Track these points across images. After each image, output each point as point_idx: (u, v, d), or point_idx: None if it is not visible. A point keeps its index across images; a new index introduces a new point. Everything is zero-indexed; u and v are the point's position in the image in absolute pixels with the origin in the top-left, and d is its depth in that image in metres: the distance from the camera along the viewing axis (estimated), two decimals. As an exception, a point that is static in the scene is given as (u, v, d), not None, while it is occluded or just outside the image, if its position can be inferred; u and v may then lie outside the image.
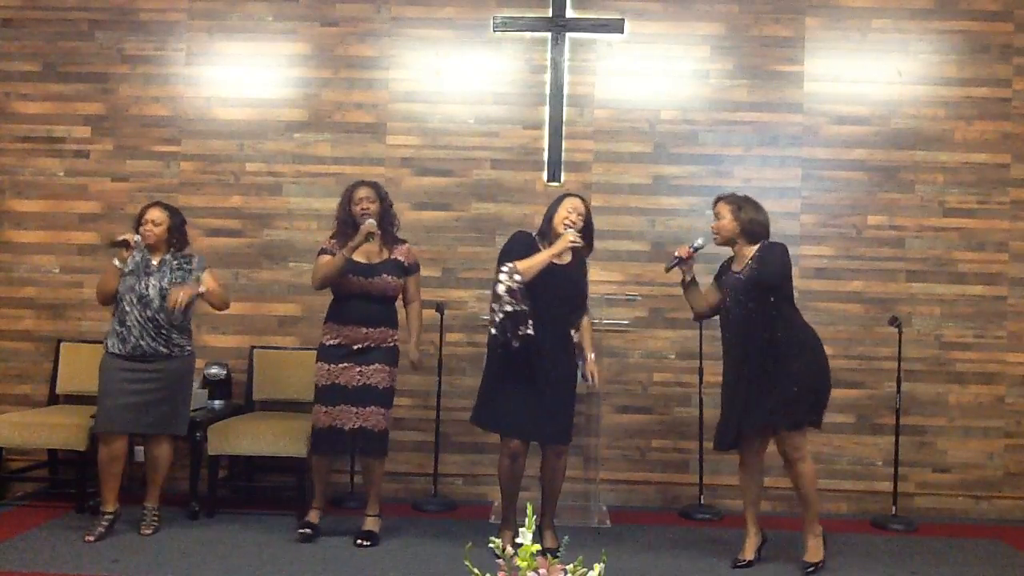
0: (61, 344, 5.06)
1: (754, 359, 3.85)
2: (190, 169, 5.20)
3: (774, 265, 3.85)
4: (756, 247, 3.91)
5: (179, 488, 4.66)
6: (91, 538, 3.98)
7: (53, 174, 5.22)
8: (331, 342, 4.08)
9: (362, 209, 4.07)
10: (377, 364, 4.05)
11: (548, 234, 3.97)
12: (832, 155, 5.10)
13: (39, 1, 5.22)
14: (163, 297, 4.05)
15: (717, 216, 3.99)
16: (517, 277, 3.79)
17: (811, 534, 3.93)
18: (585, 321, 4.09)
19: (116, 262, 4.07)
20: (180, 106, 5.21)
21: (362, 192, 4.12)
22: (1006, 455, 5.01)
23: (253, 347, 5.08)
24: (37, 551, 3.87)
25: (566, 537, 2.46)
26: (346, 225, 4.10)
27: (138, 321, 4.03)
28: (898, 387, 4.78)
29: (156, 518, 4.18)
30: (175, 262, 4.16)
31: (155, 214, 4.17)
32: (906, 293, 5.06)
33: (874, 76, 5.10)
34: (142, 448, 4.88)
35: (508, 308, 3.78)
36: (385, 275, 4.07)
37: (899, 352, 4.77)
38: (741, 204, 3.96)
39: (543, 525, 4.01)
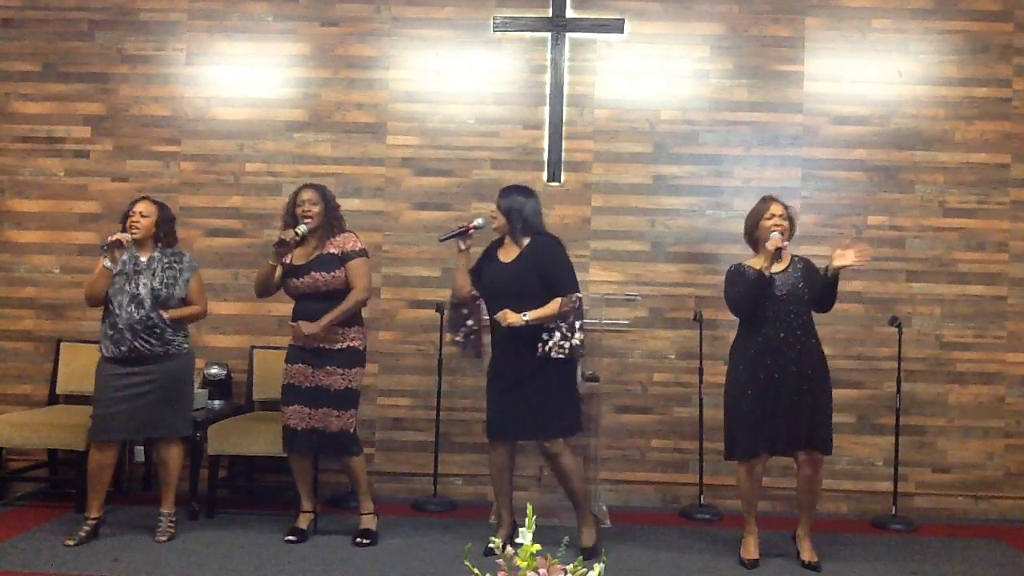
0: (61, 344, 5.06)
1: (795, 369, 3.86)
2: (190, 169, 5.20)
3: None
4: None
5: (179, 488, 4.65)
6: (71, 542, 3.94)
7: (53, 174, 5.22)
8: (292, 343, 4.13)
9: (303, 211, 4.06)
10: (329, 366, 4.02)
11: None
12: (832, 155, 5.10)
13: (39, 1, 5.22)
14: (155, 297, 3.97)
15: (785, 218, 3.95)
16: (453, 299, 4.11)
17: (809, 535, 3.97)
18: (556, 300, 3.85)
19: (107, 263, 3.93)
20: (180, 106, 5.21)
21: (305, 195, 4.11)
22: (1006, 455, 5.01)
23: (253, 347, 5.08)
24: (37, 551, 3.87)
25: (566, 537, 2.45)
26: (288, 227, 4.09)
27: (130, 323, 3.94)
28: (898, 387, 4.78)
29: (172, 524, 4.12)
30: (165, 260, 4.06)
31: (143, 206, 4.08)
32: (906, 293, 5.06)
33: (874, 76, 5.10)
34: (141, 448, 4.89)
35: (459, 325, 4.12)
36: (314, 273, 4.03)
37: (899, 352, 4.77)
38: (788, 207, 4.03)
39: (578, 524, 4.03)
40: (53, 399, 5.03)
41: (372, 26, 5.19)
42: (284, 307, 5.11)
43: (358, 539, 4.09)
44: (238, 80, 5.20)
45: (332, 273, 4.02)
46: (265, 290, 4.17)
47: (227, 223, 5.17)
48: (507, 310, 3.79)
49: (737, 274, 3.98)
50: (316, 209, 4.07)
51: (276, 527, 4.27)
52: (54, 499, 4.71)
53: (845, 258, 3.81)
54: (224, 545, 4.04)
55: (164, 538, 4.05)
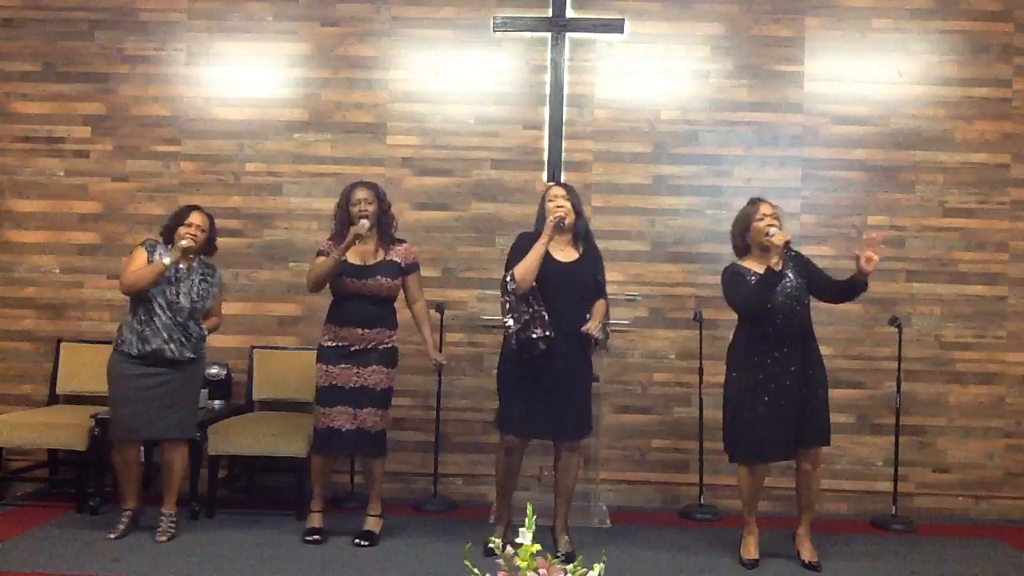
0: (61, 344, 5.06)
1: (796, 368, 3.86)
2: (190, 169, 5.20)
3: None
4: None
5: (180, 488, 4.66)
6: (113, 535, 3.98)
7: (53, 174, 5.22)
8: (329, 343, 4.09)
9: (360, 210, 4.06)
10: (374, 365, 4.05)
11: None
12: (832, 155, 5.10)
13: (39, 1, 5.23)
14: (194, 308, 4.03)
15: (776, 217, 3.95)
16: (512, 286, 3.80)
17: (809, 535, 3.97)
18: (599, 303, 3.97)
19: (166, 259, 3.96)
20: (180, 106, 5.21)
21: (361, 193, 4.11)
22: (1006, 455, 5.01)
23: (253, 347, 5.08)
24: (37, 551, 3.87)
25: (566, 537, 2.45)
26: (344, 225, 4.10)
27: (166, 325, 3.98)
28: (898, 387, 4.78)
29: (173, 524, 4.12)
30: (201, 272, 4.12)
31: (200, 219, 4.11)
32: (906, 293, 5.06)
33: (874, 76, 5.10)
34: (141, 448, 4.88)
35: (522, 316, 3.78)
36: (380, 276, 4.06)
37: (899, 352, 4.77)
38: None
39: (556, 528, 3.95)
40: (53, 399, 5.03)
41: (372, 26, 5.19)
42: (284, 307, 5.15)
43: (357, 540, 4.08)
44: (238, 80, 5.20)
45: (396, 280, 4.11)
46: (322, 285, 4.10)
47: (227, 223, 5.15)
48: (596, 320, 3.86)
49: (737, 274, 3.94)
50: (372, 208, 4.09)
51: (276, 527, 4.27)
52: (54, 499, 4.71)
53: (872, 262, 3.75)
54: (224, 545, 4.04)
55: (164, 538, 4.05)
